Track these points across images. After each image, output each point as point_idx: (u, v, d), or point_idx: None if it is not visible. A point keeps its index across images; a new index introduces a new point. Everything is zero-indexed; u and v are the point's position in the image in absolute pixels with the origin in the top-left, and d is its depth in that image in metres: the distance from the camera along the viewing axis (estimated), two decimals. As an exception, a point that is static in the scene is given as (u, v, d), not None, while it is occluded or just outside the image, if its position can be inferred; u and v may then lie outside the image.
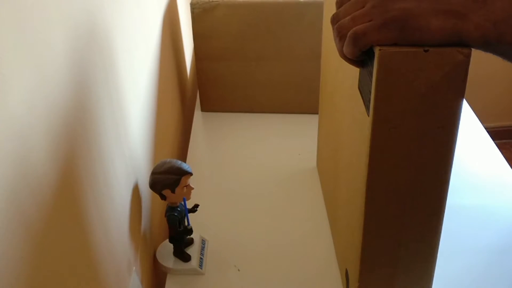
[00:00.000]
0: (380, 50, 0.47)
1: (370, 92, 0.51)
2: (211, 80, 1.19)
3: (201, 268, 0.81)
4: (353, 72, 0.58)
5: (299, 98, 1.19)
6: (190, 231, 0.81)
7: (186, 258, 0.82)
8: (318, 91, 0.96)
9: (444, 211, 0.58)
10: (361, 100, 0.56)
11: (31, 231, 0.42)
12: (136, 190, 0.77)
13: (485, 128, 1.15)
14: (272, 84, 1.18)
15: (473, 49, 0.47)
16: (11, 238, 0.38)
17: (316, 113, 0.99)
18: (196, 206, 0.84)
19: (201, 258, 0.83)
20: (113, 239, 0.64)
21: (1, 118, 0.37)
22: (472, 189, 0.99)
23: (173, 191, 0.76)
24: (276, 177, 1.03)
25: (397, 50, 0.47)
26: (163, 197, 0.78)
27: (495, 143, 1.10)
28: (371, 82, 0.50)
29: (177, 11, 1.30)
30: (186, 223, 0.81)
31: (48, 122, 0.46)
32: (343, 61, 0.53)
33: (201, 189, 0.91)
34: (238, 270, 0.82)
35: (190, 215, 0.81)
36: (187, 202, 0.79)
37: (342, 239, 0.77)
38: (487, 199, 0.96)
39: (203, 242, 0.85)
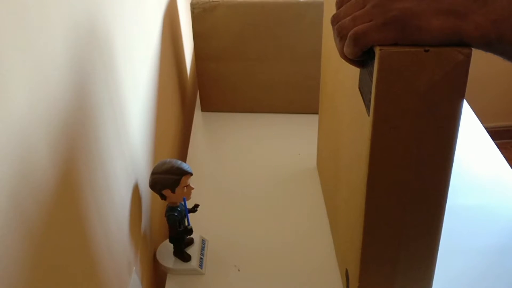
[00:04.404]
0: (380, 50, 0.47)
1: (370, 92, 0.51)
2: (211, 80, 1.19)
3: (201, 268, 0.81)
4: (353, 72, 0.58)
5: (299, 98, 1.19)
6: (190, 231, 0.81)
7: (186, 258, 0.82)
8: (318, 91, 0.96)
9: (444, 211, 0.58)
10: (361, 100, 0.56)
11: (31, 231, 0.42)
12: (136, 190, 0.77)
13: (485, 128, 1.15)
14: (272, 84, 1.18)
15: (473, 49, 0.47)
16: (11, 238, 0.38)
17: (316, 113, 0.99)
18: (196, 206, 0.83)
19: (201, 258, 0.83)
20: (113, 239, 0.64)
21: (1, 118, 0.37)
22: (472, 189, 0.99)
23: (173, 191, 0.76)
24: (276, 177, 1.03)
25: (397, 50, 0.47)
26: (163, 197, 0.78)
27: (495, 143, 1.10)
28: (372, 82, 0.50)
29: (177, 11, 1.30)
30: (186, 223, 0.81)
31: (48, 122, 0.46)
32: (343, 61, 0.53)
33: (201, 189, 0.91)
34: (238, 270, 0.82)
35: (190, 215, 0.81)
36: (187, 202, 0.79)
37: (342, 239, 0.77)
38: (487, 199, 0.96)
39: (203, 242, 0.85)
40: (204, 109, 1.24)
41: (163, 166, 0.77)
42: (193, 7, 1.10)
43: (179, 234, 0.80)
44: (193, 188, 0.79)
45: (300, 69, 1.14)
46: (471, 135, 1.13)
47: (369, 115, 0.52)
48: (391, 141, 0.53)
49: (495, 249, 0.86)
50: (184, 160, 1.08)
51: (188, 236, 0.83)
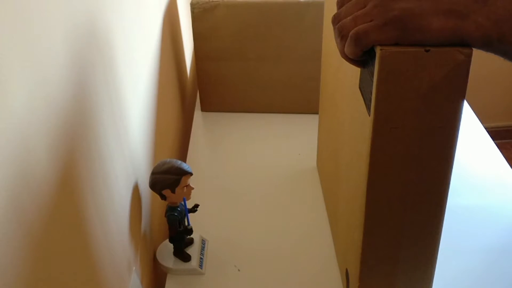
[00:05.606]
0: (381, 50, 0.47)
1: (371, 92, 0.51)
2: (211, 80, 1.19)
3: (201, 268, 0.81)
4: (354, 72, 0.58)
5: (299, 98, 1.19)
6: (190, 231, 0.81)
7: (186, 258, 0.82)
8: (318, 91, 0.96)
9: (444, 211, 0.58)
10: (362, 100, 0.56)
11: (31, 231, 0.42)
12: (136, 190, 0.76)
13: (485, 128, 1.15)
14: (272, 84, 1.18)
15: (474, 49, 0.47)
16: (11, 238, 0.38)
17: (316, 113, 0.99)
18: (196, 206, 0.83)
19: (201, 258, 0.83)
20: (113, 239, 0.64)
21: (1, 118, 0.37)
22: (472, 189, 0.99)
23: (173, 191, 0.76)
24: (276, 177, 1.03)
25: (398, 50, 0.47)
26: (163, 197, 0.78)
27: (495, 143, 1.10)
28: (372, 82, 0.50)
29: (177, 11, 1.30)
30: (186, 223, 0.81)
31: (48, 122, 0.46)
32: (344, 61, 0.53)
33: (201, 189, 0.91)
34: (238, 270, 0.82)
35: (190, 215, 0.81)
36: (187, 202, 0.79)
37: (342, 239, 0.77)
38: (487, 199, 0.96)
39: (203, 242, 0.85)
40: (204, 109, 1.24)
41: (163, 166, 0.76)
42: (193, 7, 1.10)
43: (179, 234, 0.80)
44: (193, 188, 0.79)
45: (300, 69, 1.14)
46: (471, 135, 1.13)
47: (369, 115, 0.52)
48: (392, 141, 0.53)
49: (495, 249, 0.86)
50: (184, 160, 1.08)
51: (188, 236, 0.83)
